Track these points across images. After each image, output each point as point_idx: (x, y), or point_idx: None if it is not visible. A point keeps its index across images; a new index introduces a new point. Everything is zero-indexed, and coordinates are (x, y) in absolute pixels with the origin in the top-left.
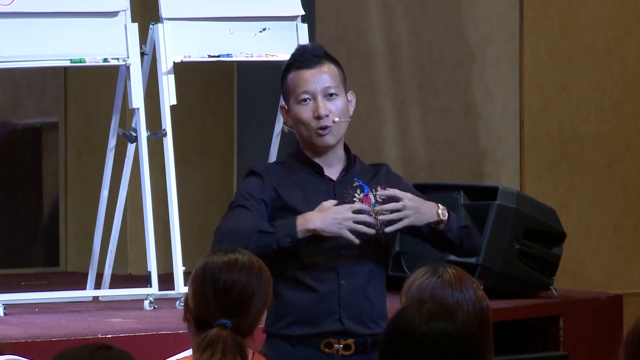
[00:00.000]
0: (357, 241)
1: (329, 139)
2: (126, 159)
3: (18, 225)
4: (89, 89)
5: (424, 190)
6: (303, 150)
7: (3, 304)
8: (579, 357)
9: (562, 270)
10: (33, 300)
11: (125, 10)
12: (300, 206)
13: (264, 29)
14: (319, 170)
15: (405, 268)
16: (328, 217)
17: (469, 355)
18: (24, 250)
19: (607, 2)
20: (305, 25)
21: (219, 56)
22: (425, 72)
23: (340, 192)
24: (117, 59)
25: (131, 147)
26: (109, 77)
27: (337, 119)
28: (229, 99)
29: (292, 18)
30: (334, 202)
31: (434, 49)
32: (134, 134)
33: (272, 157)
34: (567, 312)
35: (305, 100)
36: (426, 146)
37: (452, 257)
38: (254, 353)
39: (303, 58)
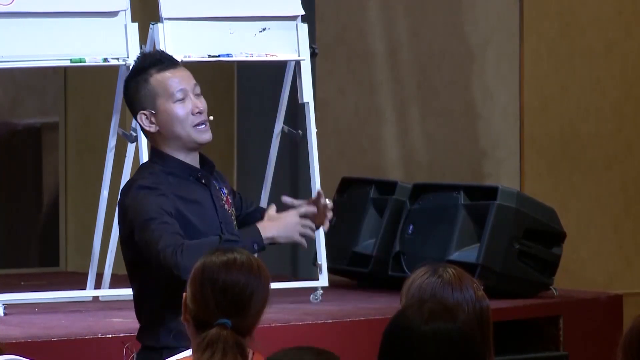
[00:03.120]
0: (305, 245)
1: (209, 135)
2: (126, 159)
3: (18, 225)
4: (89, 89)
5: (424, 190)
6: (172, 156)
7: (3, 304)
8: (579, 357)
9: (562, 270)
10: (33, 300)
11: (125, 10)
12: (197, 221)
13: (264, 29)
14: (197, 176)
15: (405, 268)
16: (281, 225)
17: (470, 355)
18: (24, 250)
19: (607, 2)
20: (305, 25)
21: (219, 56)
22: (425, 72)
23: (215, 197)
24: (117, 59)
25: (131, 147)
26: (109, 77)
27: (211, 117)
28: (229, 99)
29: (292, 18)
30: (274, 207)
31: (434, 49)
32: (134, 134)
33: (272, 157)
34: (567, 312)
35: (181, 99)
36: (426, 146)
37: (452, 257)
38: (253, 352)
39: (158, 60)
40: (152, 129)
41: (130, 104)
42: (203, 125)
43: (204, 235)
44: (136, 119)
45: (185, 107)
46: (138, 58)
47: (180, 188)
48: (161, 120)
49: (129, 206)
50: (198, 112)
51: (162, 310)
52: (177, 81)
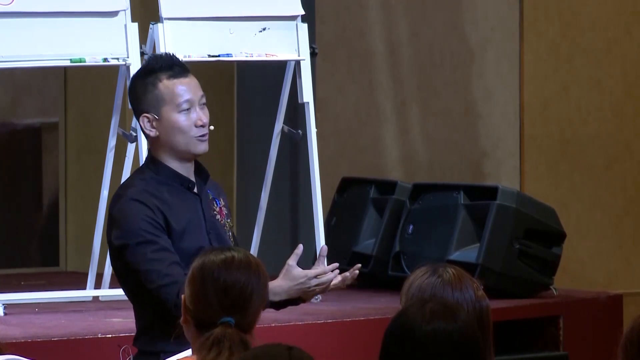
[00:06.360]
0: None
1: (206, 147)
2: (126, 159)
3: (18, 225)
4: (89, 89)
5: (424, 190)
6: (166, 164)
7: (3, 304)
8: (579, 357)
9: (562, 270)
10: (33, 300)
11: (125, 10)
12: (185, 232)
13: (264, 29)
14: (188, 186)
15: (405, 268)
16: (292, 290)
17: (471, 355)
18: (24, 250)
19: (607, 2)
20: (305, 25)
21: (219, 56)
22: (425, 72)
23: (206, 206)
24: (117, 58)
25: (131, 147)
26: (109, 77)
27: (212, 127)
28: (229, 99)
29: (292, 18)
30: (300, 251)
31: (434, 49)
32: (134, 134)
33: (272, 157)
34: (567, 312)
35: (187, 109)
36: (426, 146)
37: (452, 257)
38: None
39: (170, 66)
40: (152, 133)
41: (134, 104)
42: (202, 137)
43: (189, 245)
44: (138, 120)
45: (190, 118)
46: (150, 58)
47: (169, 195)
48: (163, 127)
49: (117, 218)
50: (201, 125)
51: (158, 314)
52: (185, 90)
